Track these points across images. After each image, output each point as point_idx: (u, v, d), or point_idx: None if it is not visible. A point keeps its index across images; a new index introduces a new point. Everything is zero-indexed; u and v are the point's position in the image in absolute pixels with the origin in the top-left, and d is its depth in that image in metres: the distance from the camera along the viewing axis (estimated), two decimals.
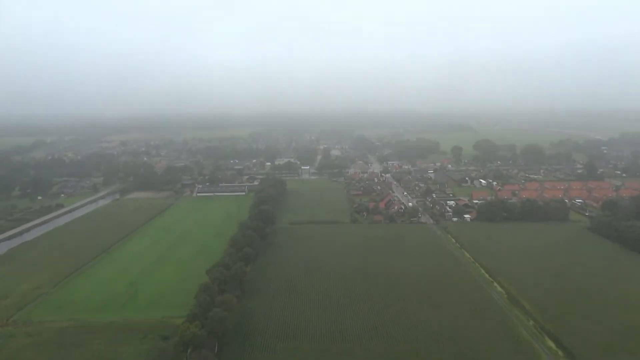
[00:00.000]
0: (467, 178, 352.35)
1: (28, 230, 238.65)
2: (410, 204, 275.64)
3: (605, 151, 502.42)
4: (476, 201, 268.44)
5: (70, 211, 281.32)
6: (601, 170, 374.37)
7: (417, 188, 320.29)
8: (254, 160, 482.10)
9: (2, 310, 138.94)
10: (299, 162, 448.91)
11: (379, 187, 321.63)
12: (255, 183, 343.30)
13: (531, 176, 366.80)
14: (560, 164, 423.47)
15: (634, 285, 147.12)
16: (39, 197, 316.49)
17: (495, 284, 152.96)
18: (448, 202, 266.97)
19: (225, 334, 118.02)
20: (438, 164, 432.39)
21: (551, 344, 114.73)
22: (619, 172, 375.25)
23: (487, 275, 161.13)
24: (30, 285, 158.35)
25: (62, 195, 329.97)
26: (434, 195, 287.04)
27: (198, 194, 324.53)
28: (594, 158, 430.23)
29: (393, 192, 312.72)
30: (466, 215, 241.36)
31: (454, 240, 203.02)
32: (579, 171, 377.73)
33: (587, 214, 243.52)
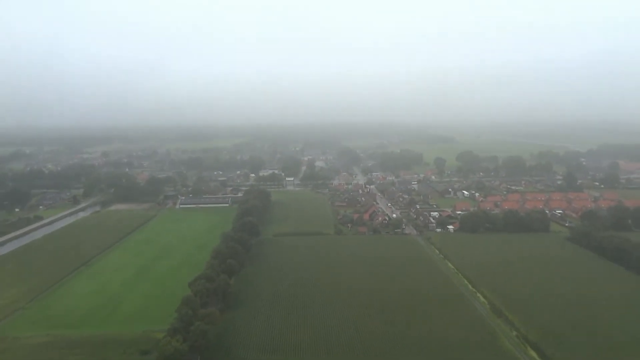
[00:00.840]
0: (450, 189, 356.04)
1: (4, 243, 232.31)
2: (394, 215, 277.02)
3: (584, 162, 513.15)
4: (459, 212, 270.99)
5: (49, 223, 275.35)
6: (580, 181, 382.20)
7: (401, 199, 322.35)
8: (238, 172, 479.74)
9: None
10: (283, 174, 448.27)
11: (363, 199, 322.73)
12: (240, 194, 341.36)
13: (513, 187, 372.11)
14: (541, 175, 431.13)
15: (613, 295, 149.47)
16: (17, 209, 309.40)
17: (479, 295, 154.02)
18: (432, 213, 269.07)
19: (208, 347, 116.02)
20: (422, 175, 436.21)
21: (534, 354, 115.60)
22: (597, 183, 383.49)
23: (470, 286, 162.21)
24: (5, 300, 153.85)
25: (41, 207, 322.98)
26: (417, 207, 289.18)
27: (181, 206, 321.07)
28: (573, 169, 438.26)
29: (377, 203, 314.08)
30: (449, 226, 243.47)
31: (437, 251, 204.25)
32: (559, 182, 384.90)
33: (567, 224, 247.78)
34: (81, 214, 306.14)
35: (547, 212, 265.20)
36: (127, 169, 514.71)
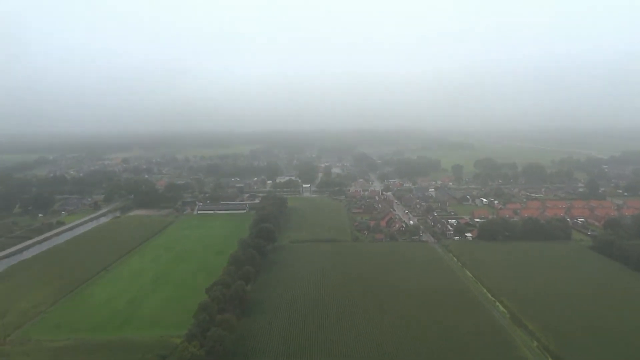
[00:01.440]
0: (468, 196, 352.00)
1: (28, 247, 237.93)
2: (411, 222, 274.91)
3: (606, 170, 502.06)
4: (477, 220, 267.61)
5: (71, 229, 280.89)
6: (603, 189, 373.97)
7: (418, 206, 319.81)
8: (255, 178, 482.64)
9: (0, 329, 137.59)
10: (300, 180, 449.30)
11: (380, 205, 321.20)
12: (257, 201, 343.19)
13: (533, 195, 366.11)
14: (561, 182, 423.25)
15: (637, 304, 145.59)
16: (40, 215, 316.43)
17: (498, 304, 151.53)
18: (449, 220, 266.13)
19: (225, 354, 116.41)
20: (439, 182, 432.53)
21: None
22: (620, 190, 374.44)
23: (489, 295, 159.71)
24: (28, 304, 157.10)
25: (63, 212, 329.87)
26: (435, 214, 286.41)
27: (199, 212, 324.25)
28: (595, 177, 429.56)
29: (394, 210, 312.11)
30: (468, 234, 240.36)
31: (455, 259, 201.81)
32: (581, 190, 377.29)
33: (589, 233, 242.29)
34: (102, 220, 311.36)
35: (568, 220, 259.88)
36: (146, 176, 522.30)
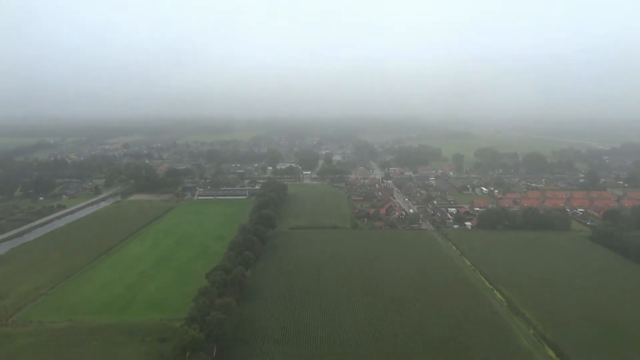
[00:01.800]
0: (468, 185, 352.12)
1: (29, 230, 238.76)
2: (411, 210, 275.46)
3: (607, 161, 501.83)
4: (477, 209, 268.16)
5: (71, 212, 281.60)
6: (603, 180, 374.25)
7: (418, 195, 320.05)
8: (256, 165, 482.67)
9: (2, 310, 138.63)
10: (300, 167, 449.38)
11: (380, 193, 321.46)
12: (257, 187, 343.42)
13: (533, 185, 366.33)
14: (562, 172, 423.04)
15: (635, 295, 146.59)
16: (41, 198, 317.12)
17: (496, 292, 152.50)
18: (449, 209, 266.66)
19: (224, 337, 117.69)
20: (440, 171, 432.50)
21: (552, 353, 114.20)
22: (621, 182, 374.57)
23: (487, 283, 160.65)
24: (30, 286, 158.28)
25: (64, 196, 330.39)
26: (435, 202, 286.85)
27: (199, 197, 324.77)
28: (596, 167, 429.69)
29: (394, 198, 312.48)
30: (467, 223, 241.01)
31: (454, 248, 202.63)
32: (581, 180, 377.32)
33: (588, 223, 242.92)
34: (102, 204, 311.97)
35: (568, 210, 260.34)
36: (147, 160, 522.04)
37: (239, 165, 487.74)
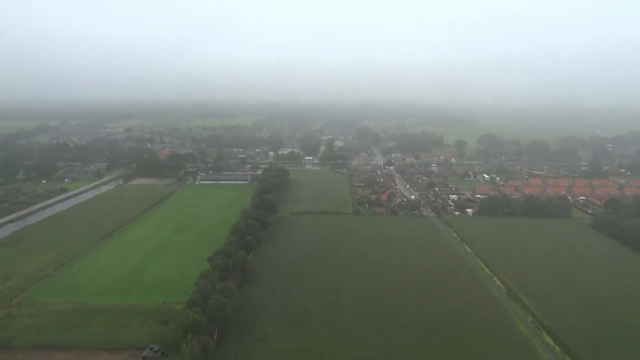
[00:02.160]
0: (470, 172, 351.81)
1: (32, 213, 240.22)
2: (412, 196, 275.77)
3: (610, 149, 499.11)
4: (479, 196, 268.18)
5: (74, 196, 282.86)
6: (606, 168, 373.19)
7: (419, 181, 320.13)
8: (258, 150, 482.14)
9: (6, 292, 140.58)
10: (302, 153, 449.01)
11: (381, 179, 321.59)
12: (259, 172, 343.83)
13: (535, 172, 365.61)
14: (564, 160, 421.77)
15: (634, 283, 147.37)
16: (44, 181, 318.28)
17: (495, 279, 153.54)
18: (450, 196, 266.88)
19: (225, 321, 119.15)
20: (441, 158, 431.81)
21: (549, 339, 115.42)
22: (623, 170, 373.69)
23: (487, 270, 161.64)
24: (33, 268, 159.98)
25: (66, 179, 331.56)
26: (436, 189, 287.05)
27: (201, 182, 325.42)
28: (598, 155, 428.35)
29: (396, 184, 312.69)
30: (468, 210, 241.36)
31: (455, 234, 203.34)
32: (583, 168, 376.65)
33: (589, 211, 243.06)
34: (104, 188, 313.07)
35: (569, 198, 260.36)
36: (149, 145, 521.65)
37: (240, 150, 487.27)
